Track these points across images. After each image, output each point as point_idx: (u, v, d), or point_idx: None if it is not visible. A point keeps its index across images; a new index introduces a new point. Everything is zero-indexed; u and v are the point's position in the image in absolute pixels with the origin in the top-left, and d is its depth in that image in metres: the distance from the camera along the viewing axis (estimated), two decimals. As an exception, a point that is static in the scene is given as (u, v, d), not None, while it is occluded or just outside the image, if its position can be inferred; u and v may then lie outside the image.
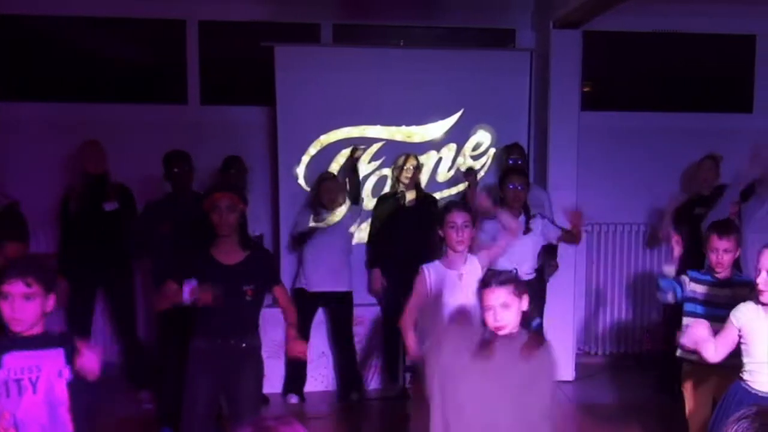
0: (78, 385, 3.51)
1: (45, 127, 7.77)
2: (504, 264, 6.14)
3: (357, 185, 7.33)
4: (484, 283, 3.84)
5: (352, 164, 7.31)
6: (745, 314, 4.22)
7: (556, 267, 7.43)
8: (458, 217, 4.92)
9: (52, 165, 7.69)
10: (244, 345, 4.93)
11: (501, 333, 3.78)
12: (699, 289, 5.11)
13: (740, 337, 4.24)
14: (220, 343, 4.87)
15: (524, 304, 3.82)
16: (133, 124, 7.86)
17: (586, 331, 8.38)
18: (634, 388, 7.60)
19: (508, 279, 3.88)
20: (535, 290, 6.56)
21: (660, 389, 7.13)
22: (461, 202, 5.52)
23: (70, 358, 3.50)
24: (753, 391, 4.19)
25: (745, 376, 4.26)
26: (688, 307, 5.14)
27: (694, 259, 5.70)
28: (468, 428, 3.75)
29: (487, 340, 3.78)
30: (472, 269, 4.92)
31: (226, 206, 4.88)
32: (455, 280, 4.88)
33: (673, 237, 5.49)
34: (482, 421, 3.72)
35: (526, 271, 6.42)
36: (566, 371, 7.68)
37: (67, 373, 3.45)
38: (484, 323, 3.85)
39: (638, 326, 8.46)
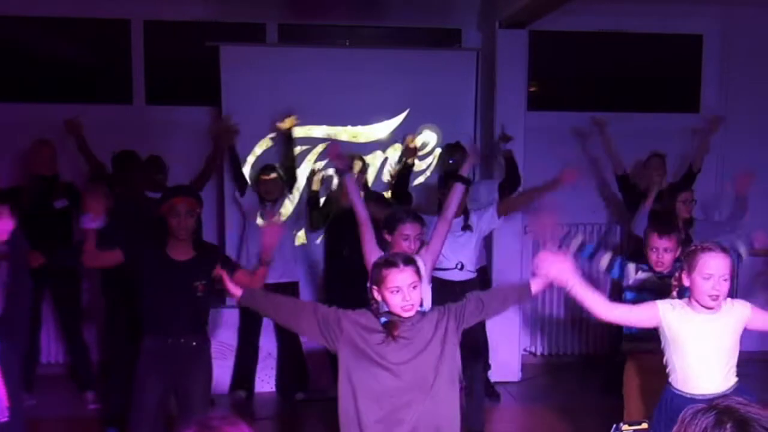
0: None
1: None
2: (449, 260, 6.18)
3: (292, 160, 7.36)
4: (390, 264, 3.75)
5: (287, 135, 7.36)
6: (674, 312, 4.05)
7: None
8: (411, 230, 5.02)
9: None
10: (194, 343, 4.98)
11: (407, 314, 3.73)
12: (642, 276, 5.13)
13: (661, 331, 4.11)
14: (171, 342, 4.90)
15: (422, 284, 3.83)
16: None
17: (531, 332, 8.37)
18: (580, 389, 7.62)
19: (411, 258, 3.87)
20: (478, 289, 6.54)
21: (606, 390, 7.14)
22: (414, 212, 5.50)
23: None
24: (689, 396, 3.99)
25: (678, 383, 4.09)
26: (629, 295, 5.17)
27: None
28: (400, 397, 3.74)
29: (391, 325, 3.74)
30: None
31: (186, 211, 4.92)
32: None
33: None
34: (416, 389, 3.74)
35: (469, 268, 6.40)
36: (512, 372, 7.71)
37: None
38: (375, 310, 3.80)
39: (585, 327, 8.46)
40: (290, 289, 7.23)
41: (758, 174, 8.34)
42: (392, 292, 3.71)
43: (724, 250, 4.02)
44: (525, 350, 8.24)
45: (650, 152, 7.68)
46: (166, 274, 4.90)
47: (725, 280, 3.94)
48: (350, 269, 6.47)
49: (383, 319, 3.75)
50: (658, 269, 5.04)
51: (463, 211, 6.37)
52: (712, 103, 8.56)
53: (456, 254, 6.22)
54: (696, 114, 8.57)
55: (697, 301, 4.00)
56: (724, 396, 2.17)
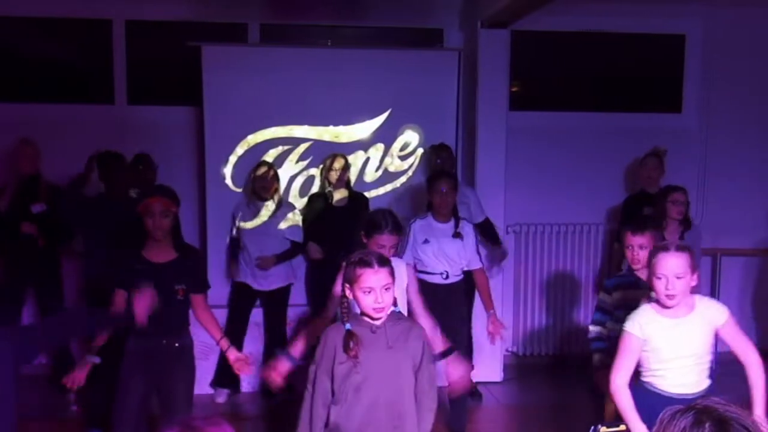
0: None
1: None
2: (434, 267, 6.18)
3: None
4: (364, 263, 3.70)
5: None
6: (647, 322, 4.07)
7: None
8: (388, 241, 4.84)
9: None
10: (177, 344, 4.98)
11: (379, 315, 3.72)
12: (616, 295, 5.14)
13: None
14: (153, 344, 4.90)
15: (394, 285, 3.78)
16: (60, 124, 7.74)
17: (514, 332, 8.34)
18: (563, 389, 7.61)
19: (386, 259, 3.83)
20: (463, 292, 6.54)
21: (590, 390, 7.14)
22: (396, 220, 5.30)
23: None
24: (666, 394, 4.04)
25: (654, 381, 4.12)
26: (596, 315, 5.22)
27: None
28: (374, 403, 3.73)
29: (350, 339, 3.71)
30: (398, 271, 4.86)
31: (160, 211, 4.91)
32: None
33: None
34: (387, 397, 3.74)
35: (455, 273, 6.37)
36: (494, 372, 7.71)
37: None
38: (346, 309, 3.79)
39: (566, 328, 8.46)
40: (283, 292, 7.32)
41: (740, 172, 8.46)
42: (365, 292, 3.68)
43: (678, 248, 4.04)
44: (507, 351, 8.23)
45: (650, 149, 7.73)
46: (143, 276, 4.84)
47: (679, 278, 3.94)
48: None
49: (347, 326, 3.72)
50: (634, 266, 5.06)
51: (454, 215, 6.34)
52: (694, 103, 8.55)
53: (442, 263, 6.21)
54: (678, 114, 8.58)
55: (659, 302, 4.03)
56: (702, 396, 2.15)
